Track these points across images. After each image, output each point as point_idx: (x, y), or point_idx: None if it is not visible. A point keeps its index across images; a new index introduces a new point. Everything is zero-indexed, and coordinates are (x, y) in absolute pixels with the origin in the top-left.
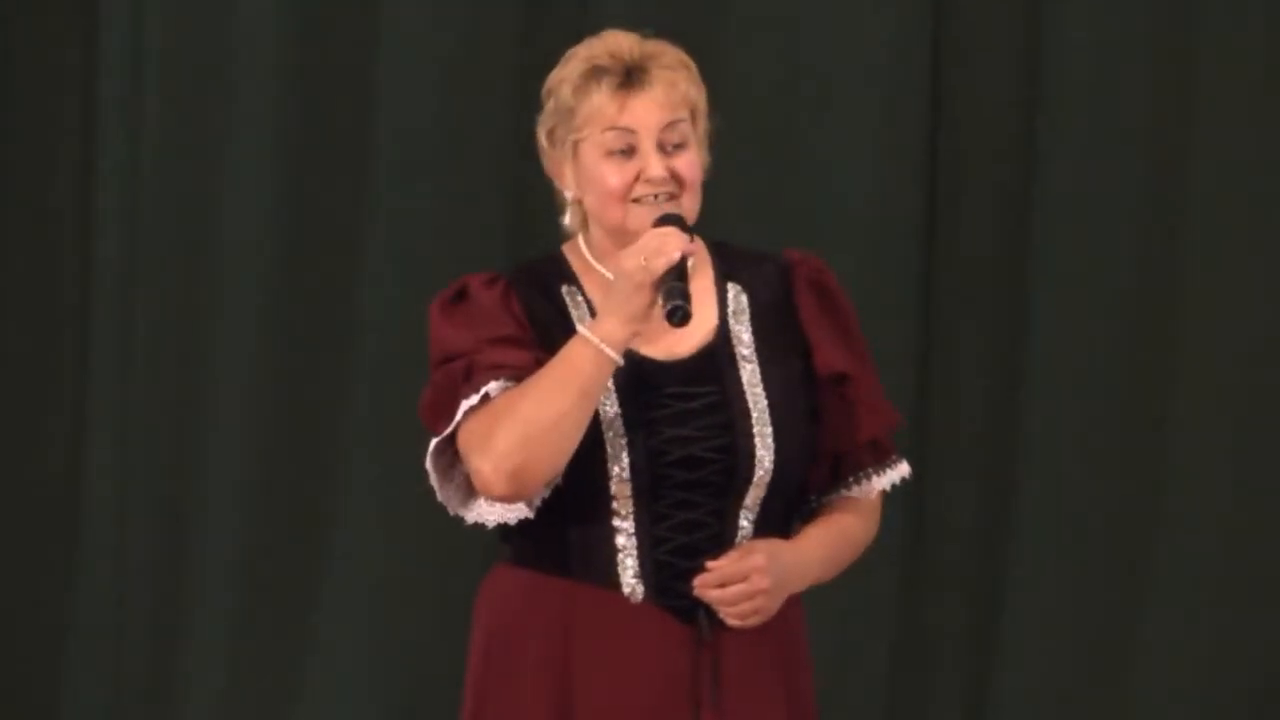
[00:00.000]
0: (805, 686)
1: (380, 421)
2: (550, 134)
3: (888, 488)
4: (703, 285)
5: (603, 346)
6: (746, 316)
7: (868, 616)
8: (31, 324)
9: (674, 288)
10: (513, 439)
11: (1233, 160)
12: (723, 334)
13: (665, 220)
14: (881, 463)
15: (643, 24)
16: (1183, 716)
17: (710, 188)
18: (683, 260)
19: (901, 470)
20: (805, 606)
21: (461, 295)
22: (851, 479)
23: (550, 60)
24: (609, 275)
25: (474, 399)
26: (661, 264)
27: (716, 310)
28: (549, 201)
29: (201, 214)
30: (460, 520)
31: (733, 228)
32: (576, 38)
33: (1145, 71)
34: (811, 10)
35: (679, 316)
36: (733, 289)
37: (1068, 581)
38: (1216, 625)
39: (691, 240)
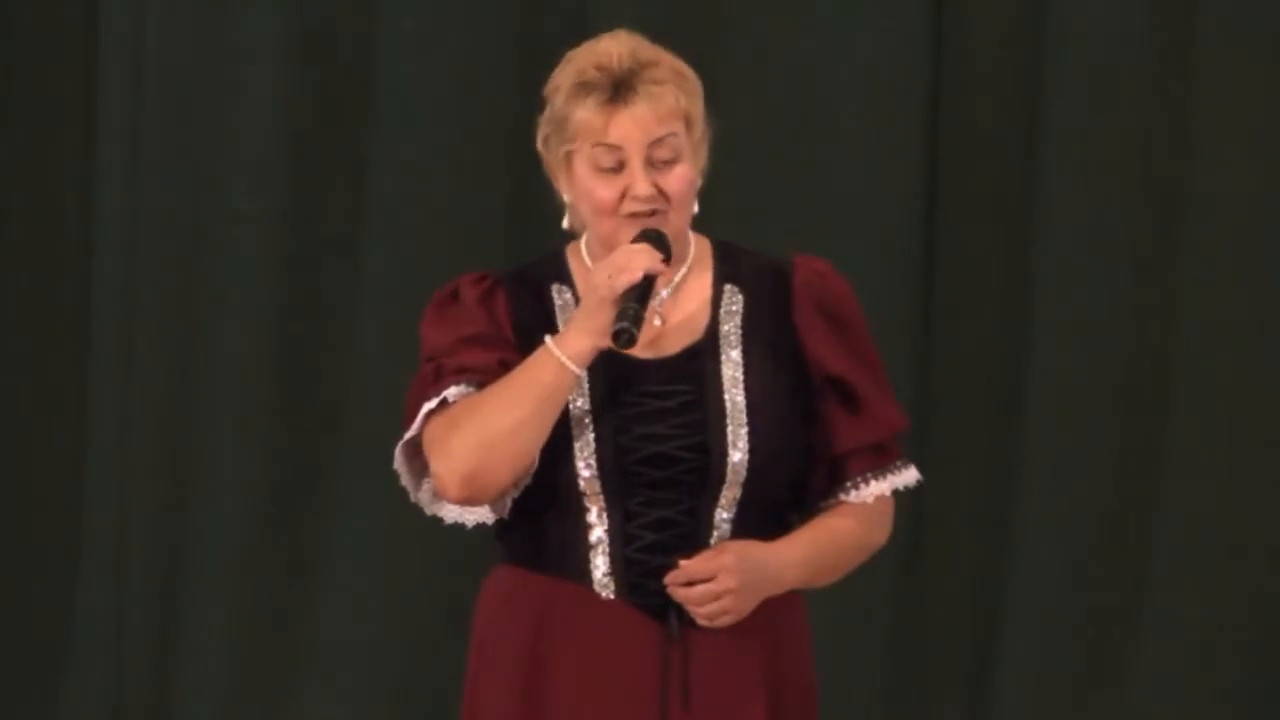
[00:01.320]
0: (799, 685)
1: (379, 421)
2: (545, 141)
3: (889, 493)
4: (700, 285)
5: (563, 359)
6: (738, 318)
7: (867, 617)
8: (32, 324)
9: (627, 308)
10: (467, 445)
11: (1233, 160)
12: (711, 334)
13: (643, 237)
14: (883, 467)
15: (641, 24)
16: (1182, 716)
17: (710, 189)
18: (645, 280)
19: (906, 476)
20: (805, 607)
21: (452, 296)
22: (849, 483)
23: (550, 59)
24: None
25: (433, 403)
26: (624, 281)
27: (709, 310)
28: (548, 202)
29: (201, 214)
30: (459, 521)
31: (733, 229)
32: (576, 37)
33: (1147, 71)
34: (811, 11)
35: (623, 339)
36: (729, 290)
37: (1068, 581)
38: (1216, 625)
39: (665, 260)
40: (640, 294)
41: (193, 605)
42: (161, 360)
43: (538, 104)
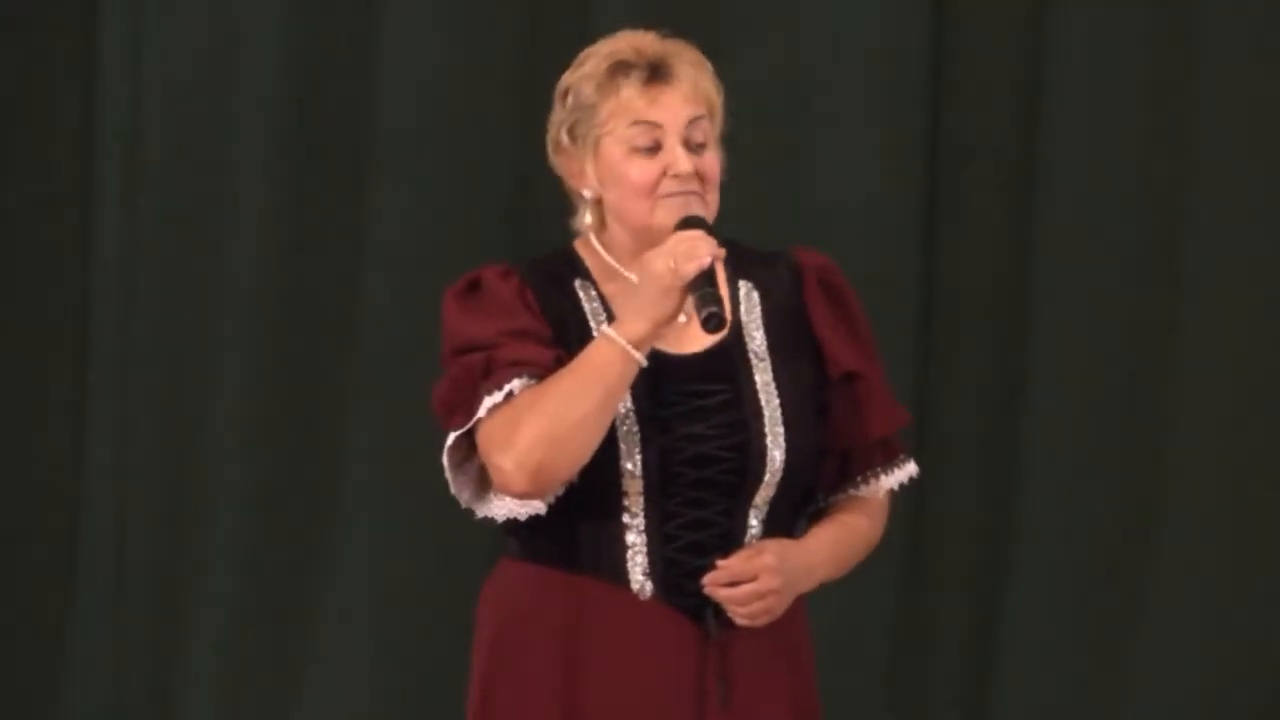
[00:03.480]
0: (809, 685)
1: (381, 420)
2: (570, 131)
3: (895, 487)
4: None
5: (628, 348)
6: (758, 315)
7: (868, 616)
8: (32, 323)
9: (708, 293)
10: (535, 437)
11: (1234, 160)
12: (735, 332)
13: (690, 222)
14: (890, 462)
15: (642, 25)
16: (1183, 718)
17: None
18: (713, 265)
19: (909, 470)
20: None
21: (476, 286)
22: (860, 478)
23: (550, 61)
24: (628, 274)
25: (498, 396)
26: (692, 268)
27: (729, 309)
28: (549, 200)
29: (202, 213)
30: (461, 519)
31: (732, 229)
32: (576, 39)
33: (1147, 72)
34: (810, 10)
35: (714, 323)
36: (744, 287)
37: (1068, 581)
38: (1217, 626)
39: (719, 244)
40: (710, 279)
41: (193, 605)
42: (161, 359)
43: (537, 103)
